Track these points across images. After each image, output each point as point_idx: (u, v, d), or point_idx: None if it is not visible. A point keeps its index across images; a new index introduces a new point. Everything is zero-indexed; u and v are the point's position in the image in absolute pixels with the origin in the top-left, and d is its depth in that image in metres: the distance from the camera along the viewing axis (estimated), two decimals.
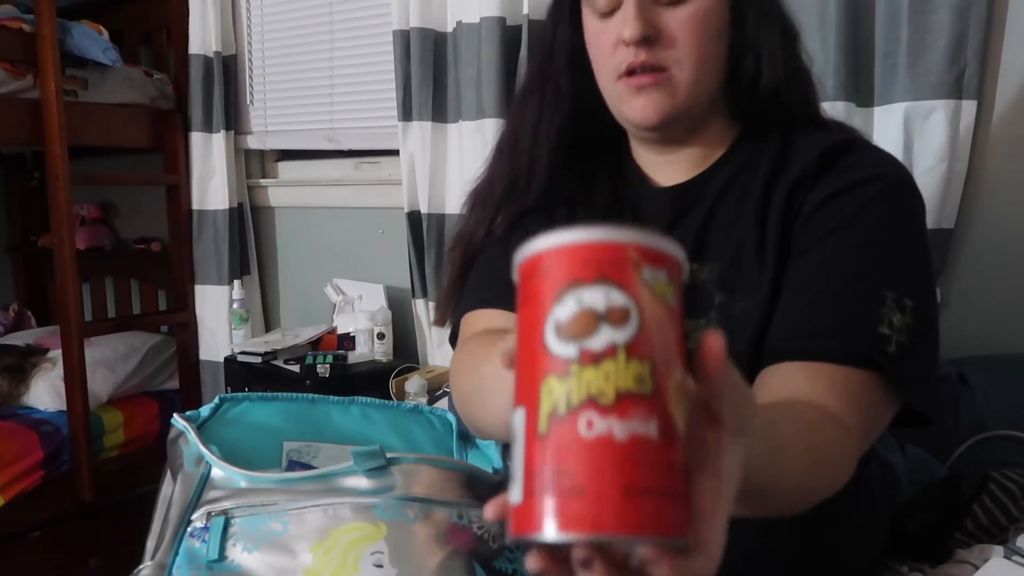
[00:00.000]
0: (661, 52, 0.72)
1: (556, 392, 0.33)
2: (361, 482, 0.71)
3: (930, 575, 0.85)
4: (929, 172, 1.25)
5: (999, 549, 0.81)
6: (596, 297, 0.34)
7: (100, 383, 2.12)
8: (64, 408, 2.02)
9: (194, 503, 0.72)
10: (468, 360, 0.79)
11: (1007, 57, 1.24)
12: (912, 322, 0.66)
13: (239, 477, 0.72)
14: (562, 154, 0.83)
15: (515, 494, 0.34)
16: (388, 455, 0.73)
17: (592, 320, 0.34)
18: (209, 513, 0.70)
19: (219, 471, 0.74)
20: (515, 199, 0.84)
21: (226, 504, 0.71)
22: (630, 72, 0.73)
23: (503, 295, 0.82)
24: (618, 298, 0.34)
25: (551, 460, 0.33)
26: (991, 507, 0.90)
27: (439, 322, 0.92)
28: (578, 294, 0.34)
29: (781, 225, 0.72)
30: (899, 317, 0.65)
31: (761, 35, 0.74)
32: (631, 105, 0.75)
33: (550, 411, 0.33)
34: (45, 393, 2.09)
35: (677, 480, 0.33)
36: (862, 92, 1.31)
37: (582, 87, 0.81)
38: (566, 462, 0.32)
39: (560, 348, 0.34)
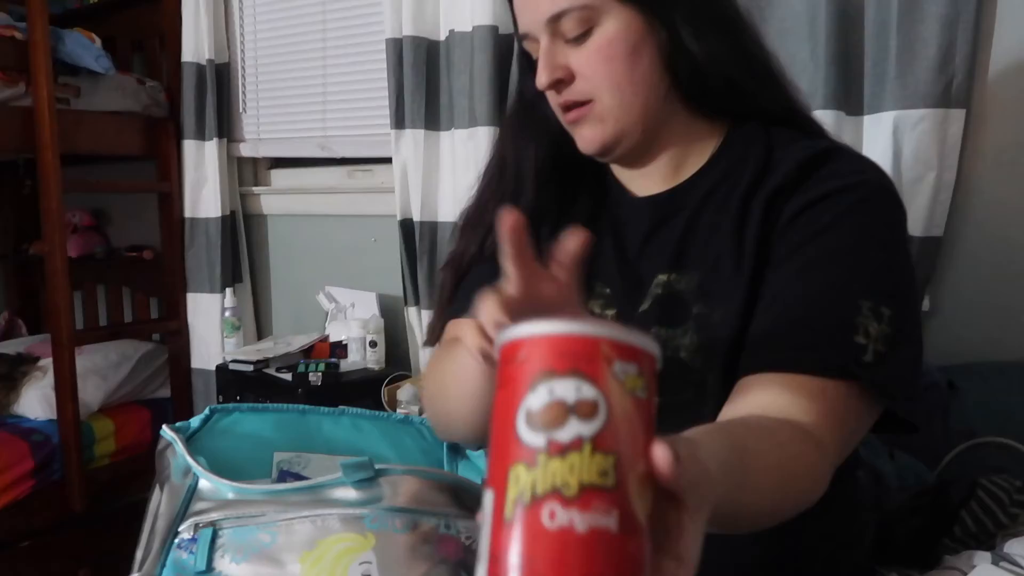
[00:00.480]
0: (578, 87, 0.75)
1: (523, 480, 0.34)
2: (349, 493, 0.71)
3: None
4: (918, 180, 1.26)
5: (987, 555, 0.81)
6: (567, 389, 0.35)
7: (91, 392, 2.11)
8: (55, 417, 2.01)
9: (181, 514, 0.72)
10: (433, 363, 0.82)
11: (995, 67, 1.26)
12: (890, 330, 0.65)
13: (226, 488, 0.72)
14: (549, 176, 0.85)
15: (480, 574, 0.35)
16: (376, 466, 0.74)
17: (561, 412, 0.35)
18: (197, 524, 0.70)
19: (206, 482, 0.74)
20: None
21: (214, 515, 0.71)
22: (565, 108, 0.77)
23: None
24: (588, 392, 0.35)
25: (514, 547, 0.34)
26: (979, 513, 0.90)
27: (429, 343, 0.93)
28: (550, 385, 0.35)
29: (759, 234, 0.72)
30: (876, 326, 0.65)
31: (697, 38, 0.74)
32: (577, 138, 0.79)
33: (516, 498, 0.34)
34: (36, 402, 2.08)
35: (637, 570, 0.34)
36: (851, 101, 1.32)
37: (554, 117, 0.83)
38: (529, 550, 0.34)
39: (529, 437, 0.35)
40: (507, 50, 1.65)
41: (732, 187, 0.75)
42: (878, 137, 1.29)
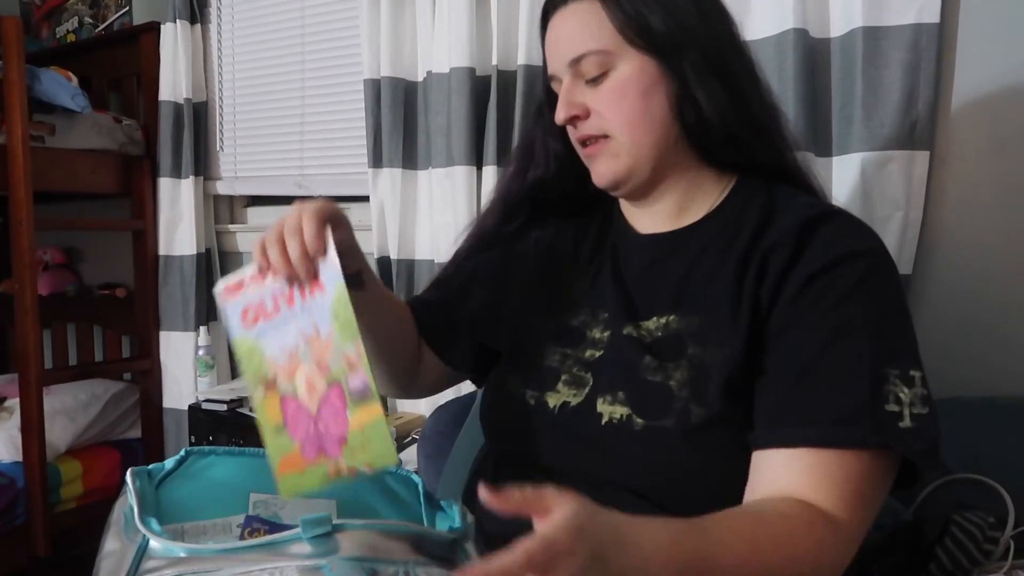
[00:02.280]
0: (592, 123, 0.81)
1: None
2: (306, 548, 0.71)
3: None
4: (887, 220, 1.29)
5: None
6: None
7: (59, 433, 2.07)
8: (20, 459, 1.96)
9: (133, 573, 0.71)
10: None
11: (956, 110, 1.30)
12: (925, 391, 0.67)
13: (177, 549, 0.72)
14: (553, 208, 0.93)
15: None
16: (335, 522, 0.73)
17: None
18: None
19: (156, 542, 0.73)
20: (500, 240, 0.97)
21: (167, 572, 0.70)
22: (583, 143, 0.83)
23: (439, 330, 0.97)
24: None
25: None
26: (954, 551, 0.91)
27: None
28: None
29: (754, 288, 0.74)
30: (907, 391, 0.66)
31: (700, 83, 0.78)
32: (591, 170, 0.84)
33: None
34: (1, 443, 2.03)
35: None
36: (820, 143, 1.36)
37: (566, 153, 0.90)
38: None
39: None
40: (483, 91, 1.68)
41: (733, 237, 0.78)
42: (847, 177, 1.32)
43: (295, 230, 0.72)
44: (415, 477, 0.96)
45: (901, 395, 0.65)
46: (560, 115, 0.82)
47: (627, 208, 0.89)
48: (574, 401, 0.80)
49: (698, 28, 0.79)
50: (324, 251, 0.72)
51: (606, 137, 0.81)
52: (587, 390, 0.80)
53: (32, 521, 1.94)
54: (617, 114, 0.79)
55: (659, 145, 0.80)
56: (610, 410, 0.77)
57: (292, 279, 0.73)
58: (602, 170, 0.82)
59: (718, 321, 0.74)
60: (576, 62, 0.80)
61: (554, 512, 0.50)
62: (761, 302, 0.73)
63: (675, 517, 0.60)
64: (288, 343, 0.74)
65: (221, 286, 0.78)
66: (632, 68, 0.78)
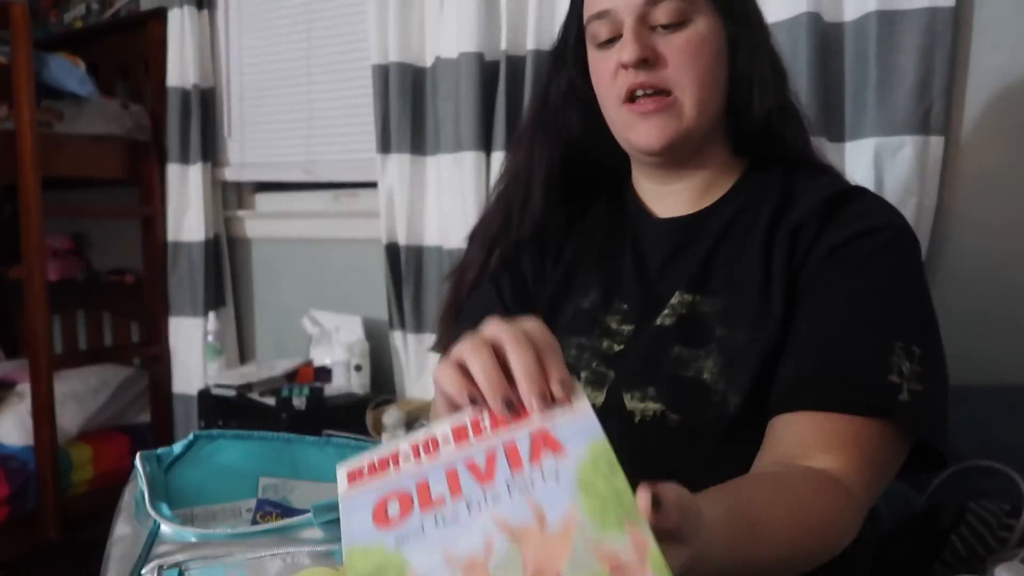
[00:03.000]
0: (661, 73, 0.74)
1: None
2: (317, 533, 0.71)
3: None
4: (900, 206, 1.26)
5: None
6: None
7: (69, 418, 2.08)
8: (31, 443, 1.97)
9: (144, 557, 0.71)
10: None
11: (971, 95, 1.28)
12: (921, 369, 0.66)
13: (189, 534, 0.71)
14: (558, 189, 0.85)
15: None
16: None
17: None
18: (161, 567, 0.69)
19: (168, 527, 0.73)
20: (509, 234, 0.87)
21: (178, 557, 0.70)
22: (632, 96, 0.75)
23: None
24: None
25: None
26: (968, 537, 0.91)
27: (436, 349, 0.95)
28: None
29: (786, 266, 0.72)
30: (908, 365, 0.65)
31: (753, 65, 0.77)
32: (637, 130, 0.77)
33: None
34: (12, 427, 2.04)
35: None
36: (834, 128, 1.34)
37: (580, 122, 0.84)
38: None
39: None
40: (492, 76, 1.67)
41: (754, 217, 0.77)
42: (860, 163, 1.31)
43: (519, 341, 0.48)
44: None
45: (904, 368, 0.65)
46: (631, 53, 0.73)
47: (646, 188, 0.85)
48: (599, 401, 0.76)
49: (754, 8, 0.78)
50: (569, 393, 0.47)
51: (668, 94, 0.74)
52: (608, 387, 0.77)
53: (43, 505, 1.96)
54: (691, 71, 0.74)
55: (715, 116, 0.77)
56: (641, 407, 0.74)
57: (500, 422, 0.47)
58: (657, 130, 0.75)
59: (747, 302, 0.73)
60: (655, 2, 0.73)
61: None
62: (792, 279, 0.72)
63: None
64: (466, 546, 0.43)
65: (343, 474, 0.51)
66: (708, 26, 0.74)
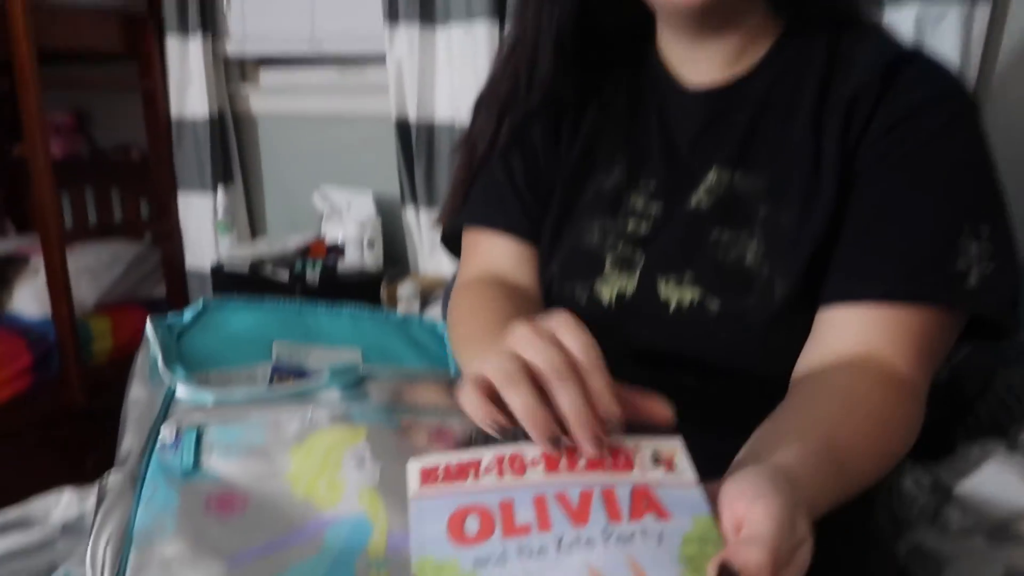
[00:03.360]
0: None
1: None
2: (335, 395, 0.71)
3: (934, 472, 0.84)
4: None
5: (1001, 443, 0.80)
6: None
7: (85, 291, 2.11)
8: (49, 315, 2.01)
9: (161, 418, 0.71)
10: (468, 312, 0.78)
11: None
12: (992, 247, 0.62)
13: (206, 396, 0.72)
14: (569, 52, 0.77)
15: None
16: (363, 370, 0.73)
17: None
18: (178, 428, 0.70)
19: (183, 390, 0.73)
20: (518, 103, 0.80)
21: (196, 417, 0.70)
22: None
23: (503, 214, 0.81)
24: None
25: None
26: (994, 405, 0.88)
27: (440, 221, 0.90)
28: None
29: (840, 141, 0.66)
30: (977, 245, 0.62)
31: None
32: None
33: None
34: (30, 300, 2.08)
35: None
36: None
37: None
38: None
39: None
40: None
41: (797, 85, 0.70)
42: (899, 29, 1.25)
43: (562, 374, 0.45)
44: (439, 325, 0.97)
45: (972, 250, 0.61)
46: None
47: (674, 52, 0.77)
48: (630, 288, 0.71)
49: None
50: (671, 457, 0.45)
51: None
52: (639, 271, 0.71)
53: (66, 373, 2.02)
54: None
55: None
56: (677, 294, 0.69)
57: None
58: None
59: (794, 180, 0.67)
60: None
61: (755, 514, 0.39)
62: (846, 157, 0.66)
63: (750, 408, 0.57)
64: None
65: (416, 470, 0.47)
66: None
